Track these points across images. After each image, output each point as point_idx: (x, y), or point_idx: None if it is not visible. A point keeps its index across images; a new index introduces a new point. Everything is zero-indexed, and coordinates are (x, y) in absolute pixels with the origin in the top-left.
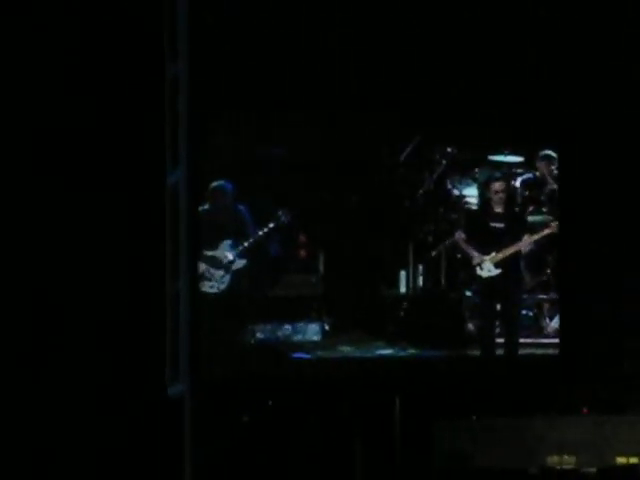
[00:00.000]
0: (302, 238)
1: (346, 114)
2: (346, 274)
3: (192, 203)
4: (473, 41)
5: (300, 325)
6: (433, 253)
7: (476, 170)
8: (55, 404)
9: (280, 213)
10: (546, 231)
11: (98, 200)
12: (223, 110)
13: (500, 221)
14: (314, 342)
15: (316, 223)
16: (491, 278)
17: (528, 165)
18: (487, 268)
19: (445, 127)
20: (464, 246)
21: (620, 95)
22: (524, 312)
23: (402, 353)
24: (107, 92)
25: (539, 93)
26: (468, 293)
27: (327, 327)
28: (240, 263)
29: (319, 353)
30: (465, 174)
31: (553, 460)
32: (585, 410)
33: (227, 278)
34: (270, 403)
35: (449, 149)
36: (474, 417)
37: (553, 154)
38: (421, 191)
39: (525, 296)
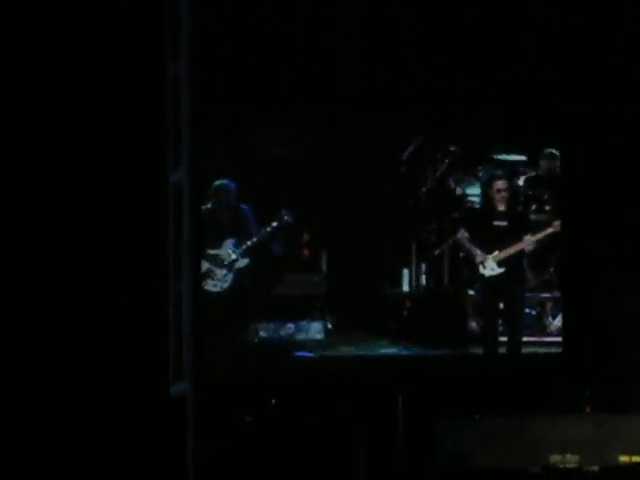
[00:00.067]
0: (305, 237)
1: (348, 114)
2: (349, 273)
3: (195, 202)
4: (475, 40)
5: (303, 324)
6: (436, 252)
7: (479, 169)
8: (56, 403)
9: (283, 212)
10: (549, 230)
11: (99, 199)
12: (223, 110)
13: (503, 220)
14: (317, 341)
15: (319, 222)
16: (494, 277)
17: (531, 164)
18: (490, 267)
19: (447, 126)
20: (467, 245)
21: (623, 94)
22: (527, 311)
23: (405, 352)
24: (108, 92)
25: (542, 91)
26: (471, 292)
27: (330, 326)
28: (243, 262)
29: (322, 352)
30: (468, 173)
31: (556, 459)
32: (588, 409)
33: (230, 277)
34: (273, 402)
35: (452, 148)
36: (477, 416)
37: (556, 152)
38: (424, 190)
39: (528, 295)
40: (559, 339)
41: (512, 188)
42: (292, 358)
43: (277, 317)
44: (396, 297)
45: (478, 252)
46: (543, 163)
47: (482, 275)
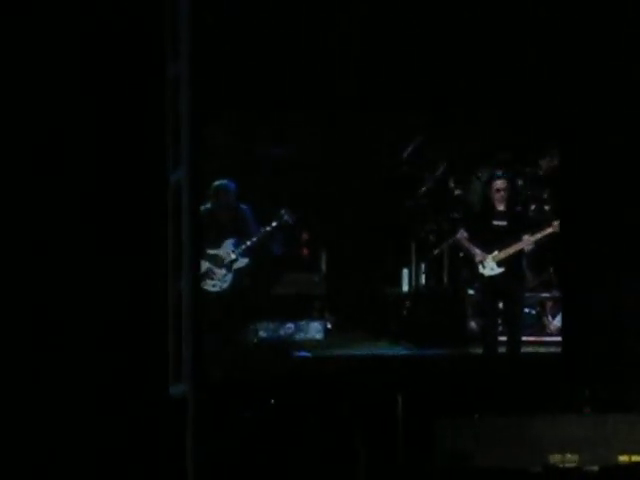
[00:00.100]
0: (305, 237)
1: (347, 114)
2: (348, 273)
3: (194, 202)
4: (474, 41)
5: (302, 323)
6: (435, 252)
7: (478, 169)
8: (56, 404)
9: (283, 212)
10: (547, 230)
11: (99, 199)
12: (223, 110)
13: (502, 219)
14: (316, 340)
15: (318, 222)
16: (494, 276)
17: (531, 164)
18: (490, 266)
19: (447, 126)
20: (466, 244)
21: (623, 94)
22: (527, 310)
23: (404, 351)
24: (108, 92)
25: (541, 91)
26: (470, 291)
27: (329, 325)
28: (243, 262)
29: (321, 351)
30: (467, 172)
31: (555, 458)
32: (587, 409)
33: (229, 277)
34: (272, 402)
35: (451, 148)
36: (476, 416)
37: (556, 152)
38: (423, 189)
39: (528, 294)
40: (559, 339)
41: (511, 188)
42: (291, 358)
43: (276, 317)
44: (396, 297)
45: (478, 252)
46: (543, 163)
47: (482, 275)
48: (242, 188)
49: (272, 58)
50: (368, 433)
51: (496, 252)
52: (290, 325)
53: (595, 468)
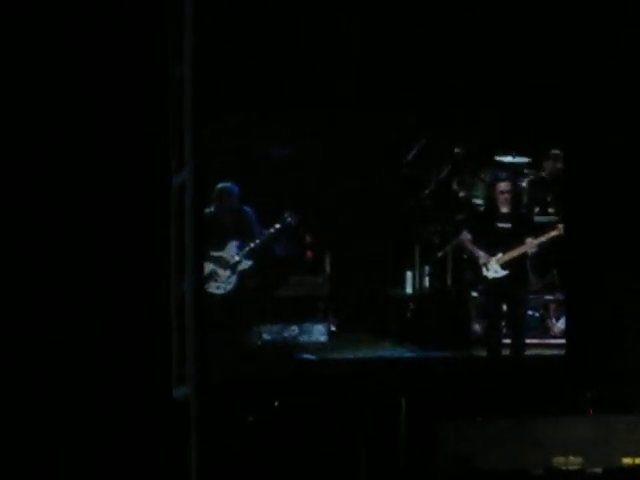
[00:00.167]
0: (308, 239)
1: (351, 114)
2: (352, 275)
3: (198, 204)
4: (478, 41)
5: (306, 326)
6: (439, 254)
7: (482, 171)
8: (57, 407)
9: (286, 214)
10: (552, 233)
11: (101, 201)
12: (225, 111)
13: (506, 222)
14: (320, 343)
15: (322, 224)
16: (497, 279)
17: (535, 166)
18: (493, 269)
19: (450, 128)
20: (470, 246)
21: (628, 95)
22: (530, 313)
23: (408, 354)
24: (110, 94)
25: (545, 92)
26: (474, 294)
27: (333, 328)
28: (246, 264)
29: (325, 354)
30: (471, 174)
31: (559, 461)
32: (591, 411)
33: (233, 279)
34: (276, 404)
35: (456, 149)
36: (479, 418)
37: (560, 154)
38: (427, 191)
39: (531, 297)
40: (562, 341)
41: (515, 190)
42: (295, 360)
43: (280, 319)
44: (399, 299)
45: (481, 254)
46: (547, 165)
47: (485, 277)
48: (245, 190)
49: (272, 58)
50: (370, 435)
51: (500, 254)
52: (294, 327)
53: (599, 470)
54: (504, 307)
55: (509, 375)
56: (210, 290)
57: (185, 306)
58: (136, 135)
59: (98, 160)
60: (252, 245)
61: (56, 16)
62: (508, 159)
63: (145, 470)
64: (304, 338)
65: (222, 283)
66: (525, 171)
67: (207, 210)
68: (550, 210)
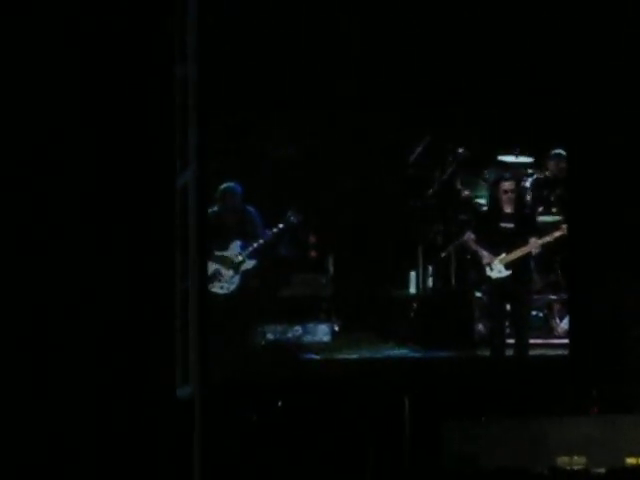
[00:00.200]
0: (312, 239)
1: (355, 114)
2: (356, 275)
3: (201, 204)
4: (482, 41)
5: (310, 326)
6: (443, 254)
7: (485, 171)
8: (63, 406)
9: (289, 214)
10: (555, 234)
11: (107, 201)
12: (225, 111)
13: (510, 221)
14: (324, 343)
15: (325, 224)
16: (501, 279)
17: (538, 165)
18: (497, 269)
19: (454, 128)
20: (474, 246)
21: (631, 95)
22: (534, 313)
23: (412, 354)
24: (116, 96)
25: (549, 93)
26: (478, 294)
27: (337, 328)
28: (250, 264)
29: (328, 354)
30: (475, 174)
31: (563, 461)
32: (595, 410)
33: (237, 278)
34: (280, 404)
35: (459, 149)
36: (483, 418)
37: (564, 153)
38: (431, 191)
39: (535, 296)
40: (566, 341)
41: (519, 189)
42: (299, 360)
43: (284, 319)
44: (403, 299)
45: (485, 254)
46: (550, 164)
47: (489, 277)
48: (248, 190)
49: (272, 58)
50: (375, 435)
51: (503, 254)
52: (298, 328)
53: (602, 470)
54: (508, 307)
55: (513, 375)
56: (214, 290)
57: (189, 306)
58: (140, 136)
59: (102, 160)
60: (255, 245)
61: (63, 19)
62: (511, 159)
63: (149, 468)
64: (308, 338)
65: (225, 283)
66: (529, 171)
67: (210, 210)
68: (554, 210)
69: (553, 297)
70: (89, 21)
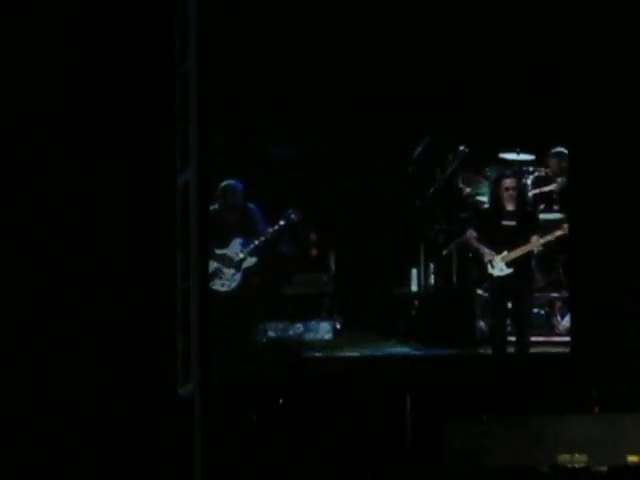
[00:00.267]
0: (313, 236)
1: (357, 113)
2: (357, 272)
3: (202, 202)
4: (484, 40)
5: (312, 324)
6: (444, 252)
7: (487, 169)
8: (65, 405)
9: (290, 211)
10: (557, 233)
11: (109, 200)
12: (226, 111)
13: (512, 219)
14: (325, 341)
15: (327, 222)
16: (502, 277)
17: (539, 163)
18: (499, 267)
19: (456, 126)
20: (475, 244)
21: (631, 93)
22: (536, 310)
23: (413, 351)
24: (117, 95)
25: (550, 91)
26: (479, 292)
27: (338, 325)
28: (251, 261)
29: (330, 352)
30: (476, 172)
31: (564, 458)
32: (596, 409)
33: (238, 276)
34: (281, 401)
35: (460, 147)
36: (485, 416)
37: (565, 151)
38: (432, 189)
39: (537, 294)
40: (568, 339)
41: (520, 187)
42: (300, 358)
43: (285, 317)
44: (405, 297)
45: (487, 251)
46: (552, 162)
47: (490, 275)
48: (249, 188)
49: (272, 58)
50: (376, 433)
51: (505, 252)
52: (299, 325)
53: (604, 468)
54: (509, 305)
55: (515, 373)
56: (215, 287)
57: (190, 305)
58: (141, 135)
59: (103, 159)
60: (257, 242)
61: (64, 19)
62: (512, 156)
63: (151, 466)
64: (309, 336)
65: (227, 281)
66: (530, 168)
67: (211, 208)
68: (555, 207)
69: (555, 295)
70: (90, 21)
